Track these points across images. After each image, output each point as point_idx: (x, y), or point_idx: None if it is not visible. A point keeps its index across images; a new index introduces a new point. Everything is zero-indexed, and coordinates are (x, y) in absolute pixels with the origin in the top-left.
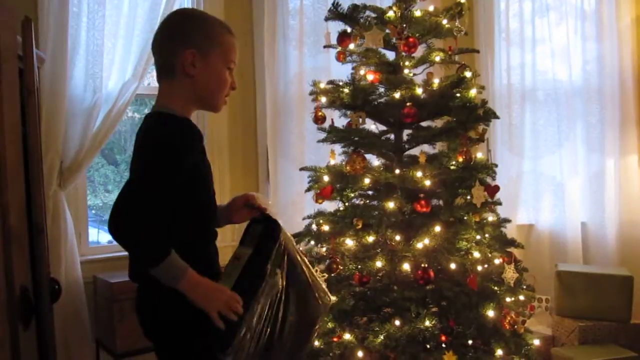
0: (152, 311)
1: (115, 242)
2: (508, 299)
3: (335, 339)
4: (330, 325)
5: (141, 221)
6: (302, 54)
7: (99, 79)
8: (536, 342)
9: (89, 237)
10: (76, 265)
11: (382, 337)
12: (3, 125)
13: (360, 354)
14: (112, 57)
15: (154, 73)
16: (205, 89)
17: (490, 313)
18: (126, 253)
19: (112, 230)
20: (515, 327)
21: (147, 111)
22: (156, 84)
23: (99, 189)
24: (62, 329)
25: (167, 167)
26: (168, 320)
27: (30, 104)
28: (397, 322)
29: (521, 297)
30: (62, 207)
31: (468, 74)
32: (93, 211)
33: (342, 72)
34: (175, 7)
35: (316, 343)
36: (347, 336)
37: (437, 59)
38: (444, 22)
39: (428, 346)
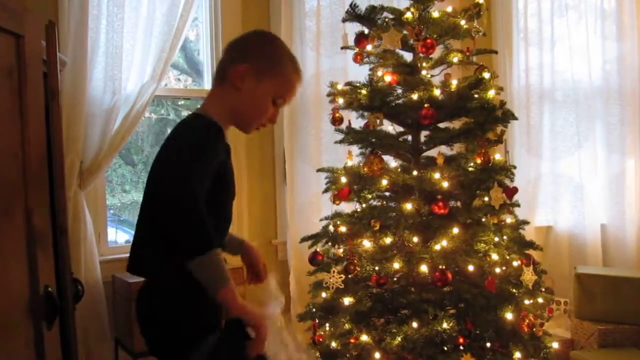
0: (152, 311)
1: None
2: (526, 302)
3: (352, 340)
4: (347, 326)
5: (195, 205)
6: (319, 55)
7: (118, 81)
8: (555, 345)
9: (108, 237)
10: (96, 265)
11: (399, 338)
12: (28, 128)
13: (377, 355)
14: (130, 59)
15: (172, 74)
16: (244, 107)
17: (509, 315)
18: None
19: (166, 210)
20: (534, 329)
21: (163, 112)
22: (173, 86)
23: (116, 189)
24: (82, 328)
25: (203, 151)
26: (167, 320)
27: (54, 107)
28: (415, 324)
29: (540, 300)
30: (82, 207)
31: (486, 75)
32: (111, 211)
33: (359, 73)
34: (193, 10)
35: (333, 344)
36: (364, 337)
37: (455, 60)
38: (462, 22)
39: (445, 348)
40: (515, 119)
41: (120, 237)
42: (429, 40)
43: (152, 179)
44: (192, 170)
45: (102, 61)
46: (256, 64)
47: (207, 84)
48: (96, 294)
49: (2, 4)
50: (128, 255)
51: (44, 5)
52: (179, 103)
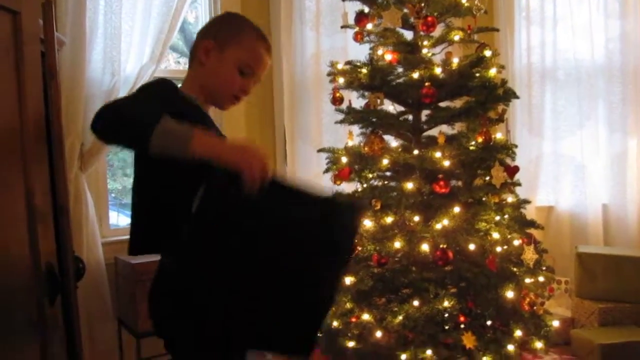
0: (161, 298)
1: None
2: (527, 280)
3: (353, 319)
4: (348, 305)
5: (120, 108)
6: (319, 35)
7: (117, 62)
8: (555, 323)
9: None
10: (98, 246)
11: (400, 317)
12: (27, 107)
13: (378, 334)
14: (129, 40)
15: (172, 57)
16: (212, 82)
17: (510, 294)
18: None
19: (99, 128)
20: (535, 308)
21: None
22: (173, 67)
23: (117, 173)
24: (85, 309)
25: (154, 91)
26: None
27: (52, 86)
28: (416, 303)
29: (540, 279)
30: (83, 189)
31: (488, 53)
32: (112, 195)
33: (359, 52)
34: None
35: (335, 323)
36: (366, 316)
37: (456, 38)
38: (463, 0)
39: (446, 327)
40: (517, 97)
41: (122, 220)
42: (429, 18)
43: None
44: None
45: (101, 42)
46: (219, 37)
47: None
48: (99, 275)
49: None
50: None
51: None
52: (179, 86)
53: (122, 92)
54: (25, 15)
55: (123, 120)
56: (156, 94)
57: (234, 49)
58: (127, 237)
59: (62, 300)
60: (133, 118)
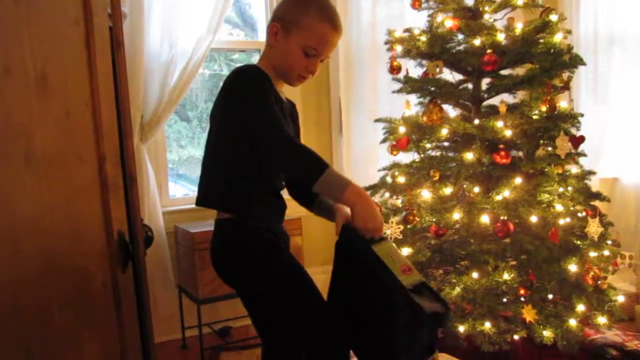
0: (220, 248)
1: (194, 195)
2: (592, 254)
3: None
4: None
5: (285, 140)
6: (375, 3)
7: (174, 34)
8: (620, 298)
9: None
10: (159, 215)
11: (458, 289)
12: (97, 77)
13: None
14: (186, 11)
15: (224, 30)
16: (279, 61)
17: (573, 267)
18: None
19: (278, 162)
20: (599, 282)
21: (216, 67)
22: (227, 38)
23: (172, 145)
24: (148, 276)
25: (259, 84)
26: (234, 256)
27: (119, 56)
28: (475, 275)
29: (605, 253)
30: (144, 160)
31: (553, 17)
32: (169, 166)
33: (416, 20)
34: None
35: None
36: None
37: (520, 2)
38: None
39: (505, 300)
40: (584, 64)
41: (179, 190)
42: None
43: (215, 119)
44: (266, 107)
45: (159, 15)
46: (283, 20)
47: (262, 37)
48: (160, 244)
49: None
50: (189, 207)
51: None
52: (233, 57)
53: (180, 65)
54: None
55: (298, 162)
56: (268, 86)
57: (298, 32)
58: (186, 206)
59: (132, 267)
60: (308, 159)
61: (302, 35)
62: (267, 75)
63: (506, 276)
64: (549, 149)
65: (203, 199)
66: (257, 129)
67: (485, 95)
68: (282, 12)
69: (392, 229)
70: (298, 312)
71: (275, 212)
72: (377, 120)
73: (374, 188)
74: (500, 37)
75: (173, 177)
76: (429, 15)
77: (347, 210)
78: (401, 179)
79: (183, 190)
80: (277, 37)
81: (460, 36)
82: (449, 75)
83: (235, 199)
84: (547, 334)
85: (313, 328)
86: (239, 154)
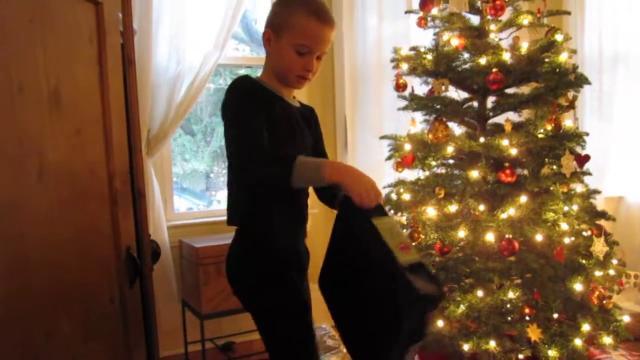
0: (232, 263)
1: (197, 209)
2: (597, 273)
3: None
4: None
5: (253, 155)
6: (381, 21)
7: (182, 50)
8: (626, 318)
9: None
10: (163, 230)
11: (463, 307)
12: (109, 93)
13: (440, 323)
14: (194, 28)
15: (232, 43)
16: (278, 67)
17: (578, 287)
18: (209, 219)
19: (246, 176)
20: (604, 302)
21: (222, 81)
22: (234, 54)
23: (177, 158)
24: None
25: (242, 102)
26: (244, 273)
27: (131, 73)
28: (480, 293)
29: (611, 272)
30: (150, 174)
31: (559, 37)
32: (174, 179)
33: (421, 38)
34: None
35: None
36: None
37: (525, 22)
38: None
39: (510, 318)
40: (589, 83)
41: (183, 204)
42: (498, 2)
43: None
44: (243, 126)
45: (167, 30)
46: (273, 24)
47: None
48: (164, 258)
49: None
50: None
51: None
52: (239, 71)
53: (187, 80)
54: (107, 6)
55: (266, 170)
56: (253, 99)
57: (288, 33)
58: (191, 220)
59: (140, 282)
60: (273, 164)
61: (292, 34)
62: (258, 84)
63: (511, 294)
64: (554, 167)
65: (228, 218)
66: (230, 154)
67: (491, 114)
68: (272, 17)
69: None
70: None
71: (290, 226)
72: (382, 137)
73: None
74: (506, 56)
75: (177, 191)
76: (434, 34)
77: None
78: (406, 196)
79: (187, 203)
80: (271, 42)
81: (466, 55)
82: (455, 93)
83: (247, 215)
84: (553, 353)
85: None
86: None
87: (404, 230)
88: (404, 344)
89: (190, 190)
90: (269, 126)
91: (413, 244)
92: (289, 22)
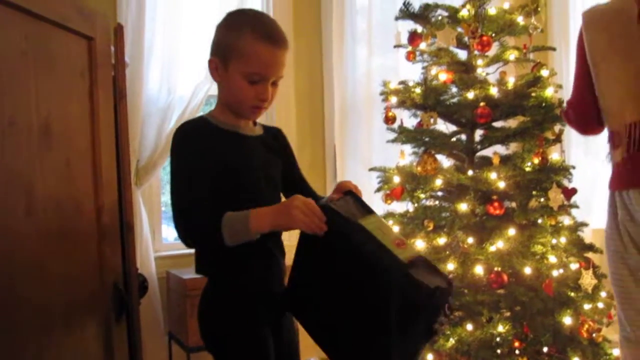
0: (200, 316)
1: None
2: (586, 306)
3: None
4: None
5: (182, 216)
6: (370, 53)
7: (173, 80)
8: (616, 351)
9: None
10: (151, 261)
11: (452, 340)
12: (99, 127)
13: (430, 357)
14: (185, 58)
15: None
16: (226, 96)
17: (567, 320)
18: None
19: (185, 241)
20: (594, 335)
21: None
22: None
23: (166, 187)
24: None
25: (181, 154)
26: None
27: (122, 107)
28: (469, 327)
29: (600, 305)
30: (138, 204)
31: (544, 72)
32: (163, 208)
33: (410, 71)
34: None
35: None
36: None
37: (512, 57)
38: (519, 19)
39: (500, 352)
40: None
41: (171, 233)
42: (485, 38)
43: None
44: (178, 184)
45: (159, 61)
46: (219, 51)
47: None
48: (151, 289)
49: (79, 7)
50: (181, 252)
51: (101, 7)
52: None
53: (177, 110)
54: (99, 41)
55: (196, 238)
56: (194, 145)
57: (236, 60)
58: (178, 251)
59: (126, 317)
60: (203, 231)
61: (241, 62)
62: (206, 125)
63: (500, 328)
64: (542, 200)
65: (195, 267)
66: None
67: (479, 147)
68: (217, 43)
69: None
70: None
71: (258, 269)
72: (371, 169)
73: None
74: (493, 90)
75: (166, 220)
76: (423, 68)
77: (347, 184)
78: (395, 228)
79: (174, 233)
80: (219, 72)
81: (454, 89)
82: (443, 126)
83: (209, 264)
84: None
85: None
86: None
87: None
88: (414, 345)
89: None
90: (220, 168)
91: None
92: (236, 48)
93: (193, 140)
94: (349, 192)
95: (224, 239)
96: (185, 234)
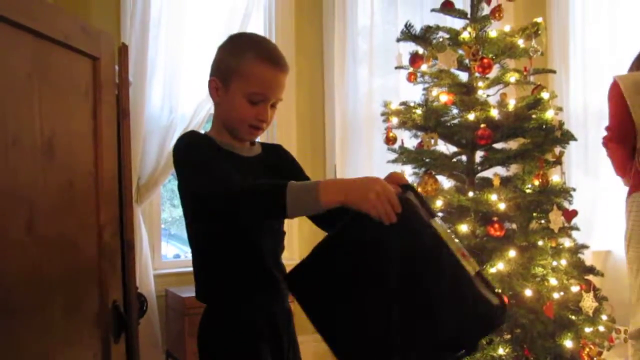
0: (200, 342)
1: (185, 258)
2: (587, 330)
3: None
4: None
5: (231, 190)
6: (372, 74)
7: (175, 99)
8: None
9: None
10: (150, 279)
11: None
12: (102, 148)
13: None
14: (188, 77)
15: None
16: (226, 117)
17: (568, 343)
18: None
19: (228, 218)
20: (594, 359)
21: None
22: None
23: (165, 204)
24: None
25: (195, 149)
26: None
27: (125, 126)
28: None
29: (601, 328)
30: (138, 221)
31: (545, 95)
32: (162, 225)
33: (411, 91)
34: (248, 30)
35: None
36: None
37: (512, 79)
38: (520, 42)
39: None
40: (575, 139)
41: (170, 251)
42: (485, 60)
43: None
44: (207, 168)
45: (161, 80)
46: (220, 72)
47: None
48: (150, 307)
49: (84, 28)
50: (181, 270)
51: (104, 25)
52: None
53: (179, 129)
54: (104, 61)
55: (248, 196)
56: (204, 147)
57: (238, 81)
58: (178, 269)
59: (125, 338)
60: (260, 189)
61: (243, 82)
62: (206, 138)
63: (501, 351)
64: (542, 222)
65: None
66: (195, 198)
67: (479, 168)
68: (218, 63)
69: None
70: None
71: (258, 294)
72: None
73: None
74: (494, 112)
75: (165, 237)
76: (424, 89)
77: (400, 176)
78: None
79: (174, 250)
80: (219, 92)
81: (455, 110)
82: (444, 147)
83: (209, 291)
84: None
85: None
86: (206, 235)
87: None
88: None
89: (178, 237)
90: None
91: None
92: (239, 69)
93: (201, 141)
94: (409, 187)
95: (286, 206)
96: (228, 196)
